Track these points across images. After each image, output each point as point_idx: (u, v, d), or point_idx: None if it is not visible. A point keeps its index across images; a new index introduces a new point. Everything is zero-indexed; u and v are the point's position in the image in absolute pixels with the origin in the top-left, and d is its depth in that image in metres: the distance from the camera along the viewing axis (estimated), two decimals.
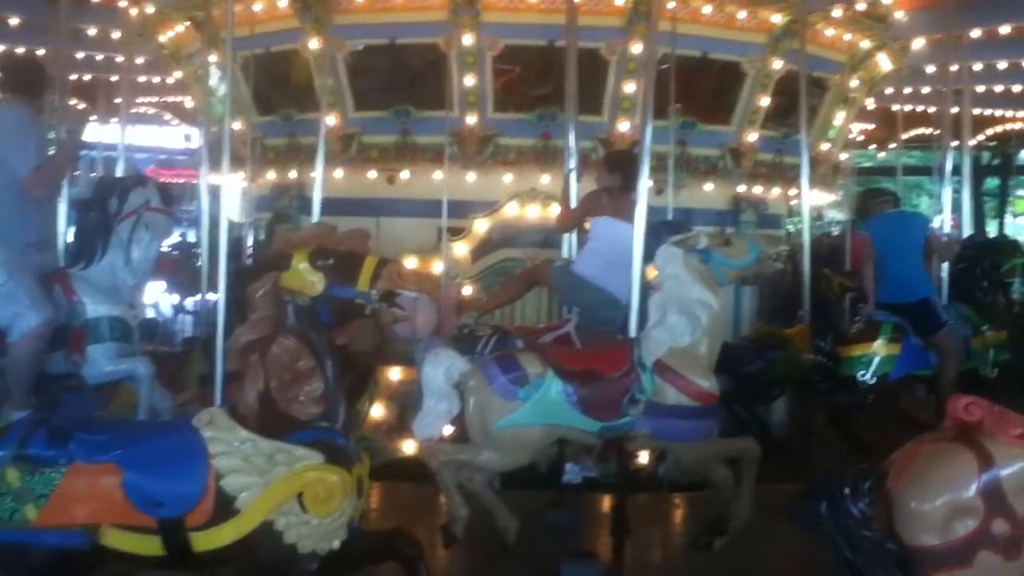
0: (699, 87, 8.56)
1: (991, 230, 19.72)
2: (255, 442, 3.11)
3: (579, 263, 5.58)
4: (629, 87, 8.13)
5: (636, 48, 7.98)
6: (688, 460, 4.88)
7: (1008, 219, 21.53)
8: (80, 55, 9.59)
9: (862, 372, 6.29)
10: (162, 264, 5.59)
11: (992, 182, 22.85)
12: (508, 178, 8.25)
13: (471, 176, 8.22)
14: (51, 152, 5.36)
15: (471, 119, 8.11)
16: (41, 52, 9.29)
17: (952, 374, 6.31)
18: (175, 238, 12.61)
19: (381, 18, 8.19)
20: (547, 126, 8.03)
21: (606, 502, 6.14)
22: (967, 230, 8.18)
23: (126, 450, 3.15)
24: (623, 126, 8.22)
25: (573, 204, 6.17)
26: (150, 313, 11.07)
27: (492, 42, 7.98)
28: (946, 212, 7.48)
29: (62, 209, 6.05)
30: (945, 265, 7.17)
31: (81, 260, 5.06)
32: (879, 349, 6.30)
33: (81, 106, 10.86)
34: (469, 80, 8.03)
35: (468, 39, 7.91)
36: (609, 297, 5.38)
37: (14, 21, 9.25)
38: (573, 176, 6.30)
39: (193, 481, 3.10)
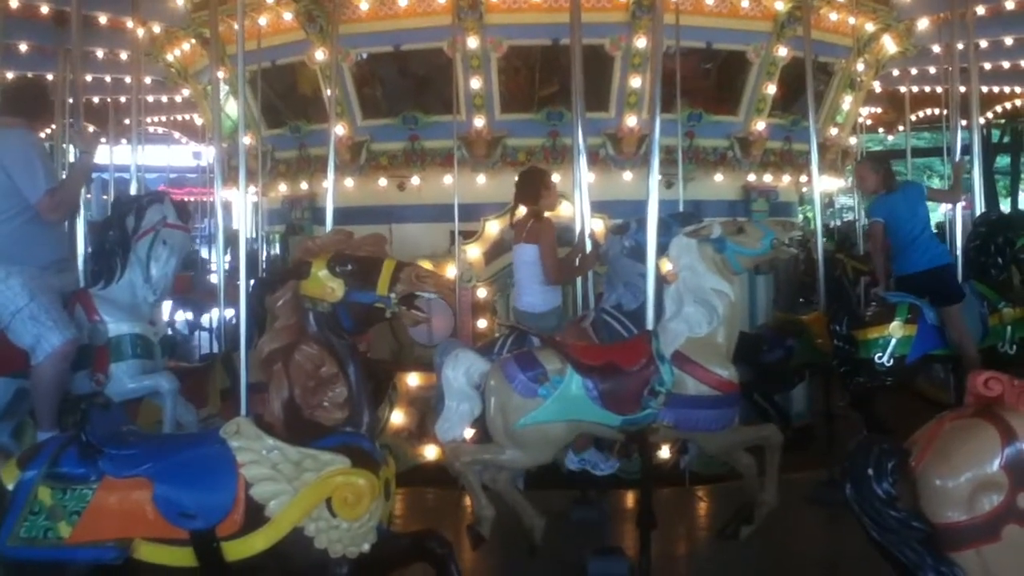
0: (705, 78, 8.55)
1: (1004, 208, 19.57)
2: (282, 450, 3.13)
3: (514, 297, 6.38)
4: (635, 81, 8.13)
5: (640, 42, 7.99)
6: (711, 449, 4.90)
7: (1021, 196, 21.32)
8: (88, 77, 9.68)
9: (879, 355, 6.24)
10: (176, 282, 5.64)
11: (1004, 159, 22.67)
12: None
13: (481, 178, 8.24)
14: (63, 175, 5.41)
15: (479, 122, 8.13)
16: (50, 77, 9.43)
17: (972, 350, 6.26)
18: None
19: (385, 26, 8.21)
20: (555, 124, 8.04)
21: (630, 498, 6.16)
22: (979, 209, 8.12)
23: (156, 463, 3.18)
24: (631, 121, 8.22)
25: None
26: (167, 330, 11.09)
27: (496, 43, 8.00)
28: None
29: (80, 229, 6.12)
30: (959, 243, 7.14)
31: (101, 279, 5.10)
32: (895, 331, 6.26)
33: (91, 128, 10.95)
34: (475, 83, 8.05)
35: (472, 42, 7.93)
36: (540, 312, 5.99)
37: (23, 47, 9.33)
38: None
39: (223, 491, 3.12)
